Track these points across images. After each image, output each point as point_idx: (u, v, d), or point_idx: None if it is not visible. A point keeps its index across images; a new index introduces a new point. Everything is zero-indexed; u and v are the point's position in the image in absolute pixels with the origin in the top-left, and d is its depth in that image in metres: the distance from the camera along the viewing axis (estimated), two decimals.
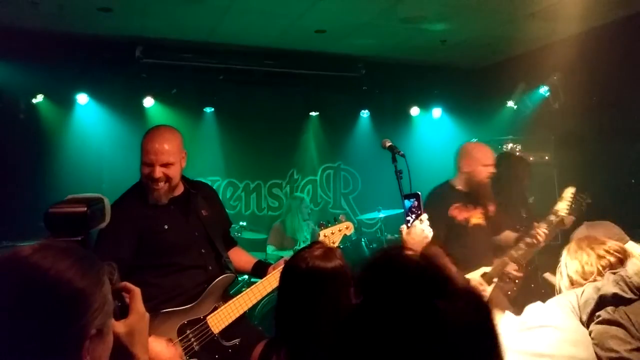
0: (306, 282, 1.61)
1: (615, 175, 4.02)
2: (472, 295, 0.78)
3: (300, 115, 5.93)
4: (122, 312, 1.03)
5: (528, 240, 2.90)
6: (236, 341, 2.29)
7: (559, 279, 1.87)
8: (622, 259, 1.74)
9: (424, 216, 2.03)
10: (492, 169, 3.14)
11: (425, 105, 6.06)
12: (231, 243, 2.71)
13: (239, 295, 2.36)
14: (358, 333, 0.76)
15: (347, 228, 2.67)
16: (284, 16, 4.21)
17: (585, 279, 1.76)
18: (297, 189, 6.06)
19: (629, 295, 1.55)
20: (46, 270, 0.84)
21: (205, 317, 2.26)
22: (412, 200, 2.08)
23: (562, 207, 2.92)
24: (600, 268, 1.74)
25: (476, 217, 3.10)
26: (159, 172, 2.25)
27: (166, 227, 2.32)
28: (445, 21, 4.30)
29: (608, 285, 1.60)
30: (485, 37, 4.66)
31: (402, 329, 0.72)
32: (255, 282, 2.45)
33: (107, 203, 1.11)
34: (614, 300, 1.56)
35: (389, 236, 4.89)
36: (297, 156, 6.06)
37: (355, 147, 6.03)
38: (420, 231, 2.01)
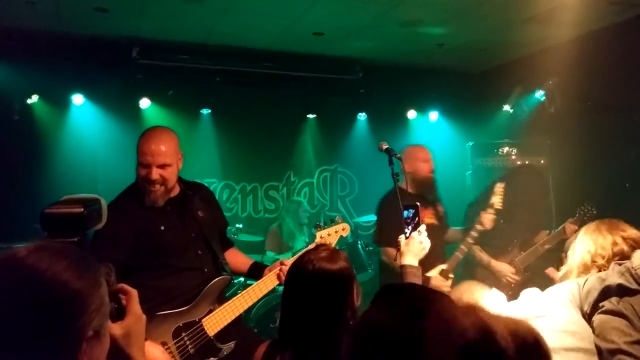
0: (312, 283, 1.63)
1: (611, 180, 4.03)
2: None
3: (298, 118, 5.92)
4: (119, 314, 1.02)
5: (478, 227, 3.08)
6: (232, 344, 2.28)
7: (570, 256, 1.86)
8: (636, 249, 1.73)
9: (422, 227, 2.05)
10: (431, 165, 3.30)
11: (422, 108, 6.07)
12: (227, 244, 2.69)
13: (235, 298, 2.34)
14: None
15: (343, 229, 2.68)
16: (282, 18, 4.21)
17: (594, 262, 1.75)
18: (293, 192, 6.05)
19: (634, 286, 1.55)
20: (42, 271, 0.83)
21: (200, 319, 2.25)
22: (410, 211, 2.09)
23: (496, 200, 3.12)
24: (611, 254, 1.73)
25: (428, 218, 3.18)
26: (155, 173, 2.24)
27: (162, 228, 2.30)
28: (443, 25, 4.31)
29: (613, 276, 1.59)
30: (482, 41, 4.68)
31: None
32: (250, 285, 2.44)
33: (104, 204, 1.10)
34: (619, 291, 1.55)
35: None
36: (294, 158, 6.05)
37: (353, 150, 6.03)
38: (418, 243, 2.03)
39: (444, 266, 3.00)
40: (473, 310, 0.84)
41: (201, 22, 4.33)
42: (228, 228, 2.94)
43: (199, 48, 4.94)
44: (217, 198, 2.78)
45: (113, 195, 2.34)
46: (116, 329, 1.00)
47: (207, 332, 2.23)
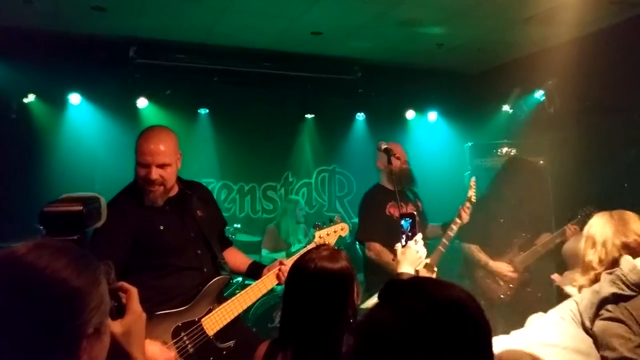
0: (313, 282, 1.64)
1: (609, 180, 4.04)
2: None
3: (296, 118, 5.91)
4: (119, 312, 1.01)
5: (457, 220, 3.15)
6: (231, 343, 2.27)
7: (576, 257, 1.86)
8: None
9: (419, 236, 2.08)
10: (403, 158, 3.32)
11: (421, 108, 6.07)
12: (226, 243, 2.68)
13: (234, 297, 2.34)
14: None
15: (342, 229, 2.69)
16: (281, 18, 4.20)
17: (593, 267, 1.75)
18: (292, 192, 6.04)
19: (628, 292, 1.56)
20: (42, 269, 0.82)
21: (200, 319, 2.24)
22: (408, 220, 2.12)
23: (472, 194, 3.22)
24: (610, 260, 1.73)
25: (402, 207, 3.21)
26: (155, 173, 2.22)
27: (162, 228, 2.29)
28: (442, 25, 4.31)
29: (605, 286, 1.61)
30: (481, 41, 4.68)
31: None
32: (249, 285, 2.43)
33: (103, 202, 1.09)
34: (615, 299, 1.57)
35: None
36: (292, 159, 6.05)
37: (351, 150, 6.03)
38: (414, 252, 2.05)
39: (427, 260, 3.00)
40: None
41: (199, 22, 4.32)
42: (226, 228, 2.94)
43: (197, 48, 4.92)
44: (215, 198, 2.77)
45: (110, 194, 2.33)
46: (116, 326, 0.99)
47: (207, 331, 2.22)
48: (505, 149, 4.76)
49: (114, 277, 0.97)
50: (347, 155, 6.11)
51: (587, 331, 1.61)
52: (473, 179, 3.31)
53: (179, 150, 2.37)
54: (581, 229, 3.07)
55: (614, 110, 4.05)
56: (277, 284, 2.45)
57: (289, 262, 2.38)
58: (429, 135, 6.05)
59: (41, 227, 1.00)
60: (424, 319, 0.80)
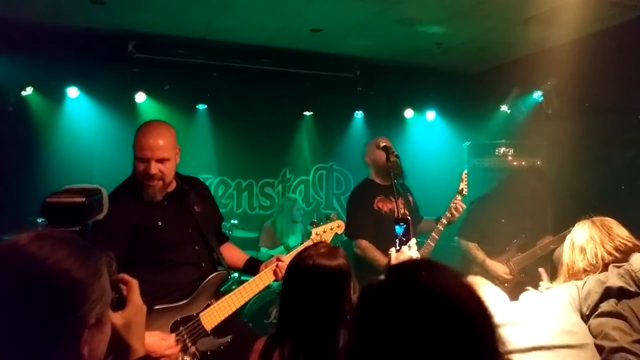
0: (311, 279, 1.66)
1: (607, 182, 4.05)
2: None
3: (294, 115, 5.91)
4: (120, 303, 1.02)
5: (448, 214, 3.09)
6: (228, 338, 2.28)
7: (562, 261, 1.86)
8: (632, 253, 1.73)
9: (412, 241, 2.09)
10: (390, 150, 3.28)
11: (419, 107, 6.07)
12: (223, 239, 2.69)
13: (232, 293, 2.35)
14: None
15: (338, 226, 2.71)
16: (280, 14, 4.19)
17: (585, 270, 1.76)
18: (289, 189, 6.04)
19: (634, 288, 1.58)
20: (44, 259, 0.82)
21: (198, 314, 2.24)
22: (402, 225, 2.12)
23: (463, 186, 3.15)
24: (602, 265, 1.74)
25: (400, 208, 3.18)
26: (154, 168, 2.22)
27: (160, 223, 2.29)
28: (442, 24, 4.31)
29: (613, 278, 1.61)
30: (480, 41, 4.69)
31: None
32: (246, 280, 2.44)
33: (105, 194, 1.09)
34: (619, 293, 1.58)
35: None
36: (290, 156, 6.05)
37: (349, 148, 6.03)
38: (407, 257, 2.06)
39: (417, 255, 3.01)
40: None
41: (199, 17, 4.30)
42: (223, 224, 2.94)
43: (196, 43, 4.91)
44: (212, 194, 2.78)
45: (108, 189, 2.30)
46: (117, 318, 1.00)
47: (205, 326, 2.23)
48: (503, 149, 4.76)
49: (114, 269, 0.97)
50: (344, 153, 6.11)
51: (584, 318, 1.62)
52: (465, 172, 3.26)
53: (178, 145, 2.37)
54: None
55: (612, 111, 4.06)
56: (274, 280, 2.46)
57: (286, 259, 2.39)
58: (427, 135, 6.06)
59: (40, 220, 1.00)
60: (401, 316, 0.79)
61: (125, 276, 1.06)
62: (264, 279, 2.41)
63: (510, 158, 4.75)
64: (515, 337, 1.51)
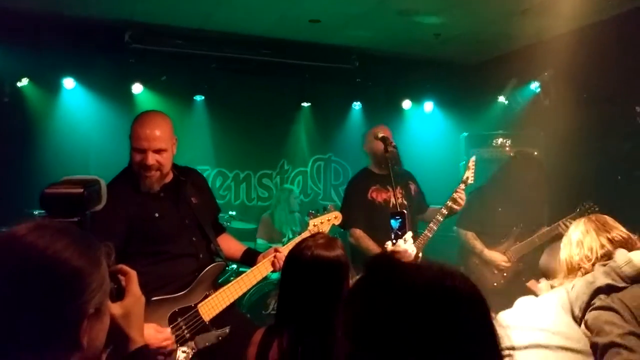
0: (310, 270, 1.67)
1: (604, 172, 4.07)
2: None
3: (292, 106, 5.89)
4: (118, 294, 1.02)
5: (450, 204, 2.98)
6: (226, 329, 2.28)
7: (559, 256, 1.88)
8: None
9: (408, 235, 2.08)
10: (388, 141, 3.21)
11: (417, 98, 6.07)
12: (220, 230, 2.69)
13: (230, 284, 2.35)
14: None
15: (335, 218, 2.71)
16: (279, 4, 4.17)
17: (580, 266, 1.78)
18: (287, 180, 6.04)
19: (622, 284, 1.60)
20: (43, 249, 0.82)
21: (196, 305, 2.25)
22: (398, 219, 2.12)
23: (469, 175, 3.04)
24: (598, 257, 1.76)
25: (397, 198, 3.16)
26: (151, 158, 2.21)
27: (157, 215, 2.29)
28: (440, 15, 4.29)
29: (600, 277, 1.64)
30: (478, 32, 4.68)
31: None
32: (244, 272, 2.44)
33: (104, 185, 1.09)
34: (608, 290, 1.60)
35: None
36: (287, 147, 6.04)
37: (347, 139, 6.01)
38: (403, 250, 2.06)
39: (413, 248, 3.00)
40: None
41: (197, 8, 4.27)
42: (221, 215, 2.94)
43: (194, 34, 4.88)
44: (210, 185, 2.77)
45: (105, 180, 2.30)
46: (116, 308, 1.00)
47: (203, 317, 2.24)
48: (500, 140, 4.77)
49: (113, 260, 0.98)
50: (342, 144, 6.10)
51: (576, 320, 1.64)
52: (473, 159, 3.12)
53: (175, 135, 2.36)
54: None
55: (609, 102, 4.06)
56: (272, 272, 2.47)
57: (284, 250, 2.40)
58: (425, 126, 6.06)
59: (37, 212, 1.01)
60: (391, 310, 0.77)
61: (124, 267, 1.06)
62: (262, 270, 2.41)
63: (507, 149, 4.77)
64: (513, 337, 1.53)
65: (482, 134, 5.02)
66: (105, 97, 4.95)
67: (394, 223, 2.11)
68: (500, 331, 0.79)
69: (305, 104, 5.90)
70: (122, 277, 1.05)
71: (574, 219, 3.18)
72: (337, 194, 6.30)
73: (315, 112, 5.96)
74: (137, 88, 5.10)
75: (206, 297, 2.28)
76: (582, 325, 1.63)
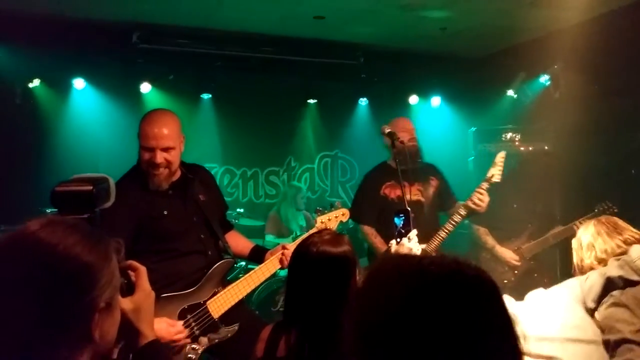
0: (316, 266, 1.66)
1: (616, 166, 4.01)
2: None
3: (298, 103, 5.90)
4: (129, 289, 1.04)
5: (469, 203, 2.83)
6: (235, 326, 2.30)
7: (586, 255, 1.86)
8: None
9: (413, 233, 2.03)
10: (410, 134, 3.13)
11: (424, 93, 6.04)
12: (227, 227, 2.70)
13: (238, 281, 2.36)
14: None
15: (343, 214, 2.70)
16: (283, 2, 4.16)
17: (592, 268, 1.77)
18: (294, 177, 6.06)
19: (635, 277, 1.59)
20: (55, 244, 0.84)
21: (205, 301, 2.26)
22: (401, 217, 2.06)
23: (495, 172, 2.84)
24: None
25: (413, 194, 3.06)
26: (160, 157, 2.23)
27: (165, 212, 2.31)
28: (445, 8, 4.26)
29: (612, 270, 1.63)
30: (485, 25, 4.63)
31: None
32: (252, 269, 2.45)
33: (112, 183, 1.11)
34: (620, 283, 1.60)
35: None
36: (294, 144, 6.05)
37: (353, 136, 6.02)
38: (407, 249, 2.03)
39: (423, 246, 2.96)
40: None
41: (201, 6, 4.28)
42: (229, 212, 2.95)
43: (200, 32, 4.90)
44: (217, 183, 2.79)
45: (114, 178, 2.33)
46: (126, 303, 1.01)
47: (212, 314, 2.25)
48: (509, 135, 4.72)
49: (123, 256, 0.99)
50: (349, 140, 6.10)
51: (589, 312, 1.63)
52: (502, 154, 2.86)
53: (182, 133, 2.38)
54: None
55: (621, 94, 4.00)
56: (280, 268, 2.47)
57: (291, 247, 2.40)
58: (433, 121, 6.02)
59: (48, 211, 1.02)
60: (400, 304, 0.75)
61: (134, 263, 1.08)
62: (270, 267, 2.42)
63: (517, 143, 4.72)
64: (524, 329, 1.52)
65: (490, 129, 4.97)
66: (114, 97, 5.01)
67: (398, 221, 2.06)
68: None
69: (311, 101, 5.90)
70: (132, 273, 1.07)
71: (592, 218, 3.10)
72: (344, 190, 6.30)
73: (321, 109, 5.96)
74: (145, 87, 5.15)
75: (215, 294, 2.30)
76: (595, 317, 1.62)
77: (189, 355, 2.15)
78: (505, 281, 3.54)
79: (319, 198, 6.07)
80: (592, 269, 1.77)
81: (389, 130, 2.95)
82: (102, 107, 4.99)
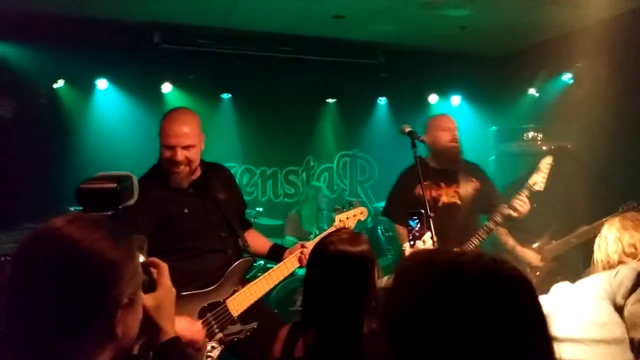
0: (334, 265, 1.65)
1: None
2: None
3: (317, 102, 5.90)
4: (150, 286, 1.05)
5: (507, 211, 2.72)
6: (254, 324, 2.30)
7: (596, 254, 1.83)
8: None
9: (427, 236, 1.98)
10: (453, 134, 3.02)
11: (444, 93, 5.98)
12: (246, 225, 2.71)
13: (257, 279, 2.37)
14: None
15: (361, 213, 2.69)
16: (302, 1, 4.17)
17: (621, 262, 1.73)
18: (313, 177, 6.06)
19: None
20: (79, 241, 0.85)
21: (225, 300, 2.28)
22: (415, 219, 2.02)
23: (538, 179, 2.72)
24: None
25: (449, 196, 2.97)
26: (180, 155, 2.26)
27: (186, 211, 2.33)
28: (465, 7, 4.22)
29: None
30: (506, 23, 4.57)
31: None
32: (271, 267, 2.46)
33: (135, 180, 1.13)
34: None
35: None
36: (313, 143, 6.05)
37: (372, 135, 5.99)
38: None
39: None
40: None
41: (220, 5, 4.32)
42: (247, 211, 2.96)
43: (219, 32, 4.94)
44: (237, 182, 2.80)
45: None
46: (148, 300, 1.03)
47: (231, 312, 2.26)
48: (531, 134, 4.63)
49: (146, 251, 1.01)
50: (368, 140, 6.08)
51: (618, 308, 1.59)
52: (549, 160, 2.69)
53: (203, 132, 2.40)
54: None
55: None
56: (299, 267, 2.47)
57: (310, 245, 2.39)
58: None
59: (72, 209, 1.05)
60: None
61: (155, 260, 1.09)
62: (289, 265, 2.43)
63: (539, 142, 4.63)
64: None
65: (511, 128, 4.89)
66: (136, 97, 5.08)
67: (412, 223, 2.01)
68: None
69: (330, 100, 5.90)
70: (153, 270, 1.08)
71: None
72: (363, 190, 6.28)
73: (340, 108, 5.96)
74: (166, 87, 5.22)
75: (234, 292, 2.31)
76: (624, 314, 1.57)
77: (209, 354, 2.16)
78: None
79: (337, 197, 6.06)
80: (621, 262, 1.72)
81: (409, 129, 2.91)
82: (124, 107, 5.07)
